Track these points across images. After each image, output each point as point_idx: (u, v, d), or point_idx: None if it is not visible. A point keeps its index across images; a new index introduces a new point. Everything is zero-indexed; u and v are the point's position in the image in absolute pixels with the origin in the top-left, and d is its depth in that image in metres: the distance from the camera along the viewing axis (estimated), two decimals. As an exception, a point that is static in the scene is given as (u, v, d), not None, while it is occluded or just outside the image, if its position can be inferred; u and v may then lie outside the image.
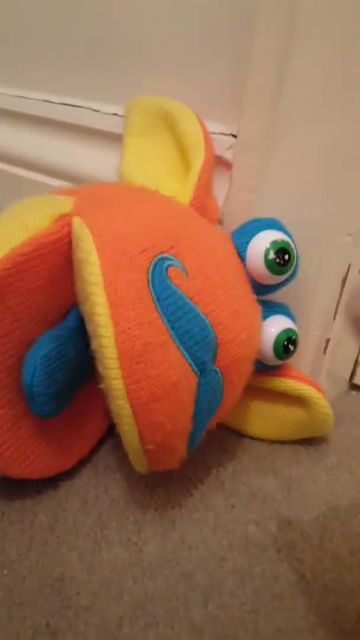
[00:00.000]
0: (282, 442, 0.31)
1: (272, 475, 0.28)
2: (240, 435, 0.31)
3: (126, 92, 0.35)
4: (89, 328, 0.23)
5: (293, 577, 0.23)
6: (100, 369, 0.21)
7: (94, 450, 0.29)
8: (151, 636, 0.20)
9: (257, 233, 0.27)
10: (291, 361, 0.29)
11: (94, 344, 0.22)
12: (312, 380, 0.30)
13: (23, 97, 0.44)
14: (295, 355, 0.28)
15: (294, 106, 0.28)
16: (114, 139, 0.37)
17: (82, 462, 0.28)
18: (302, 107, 0.27)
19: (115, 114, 0.36)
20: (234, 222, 0.31)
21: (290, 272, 0.27)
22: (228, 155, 0.31)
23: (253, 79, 0.28)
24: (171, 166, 0.32)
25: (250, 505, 0.27)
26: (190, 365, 0.22)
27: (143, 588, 0.22)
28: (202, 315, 0.23)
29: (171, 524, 0.25)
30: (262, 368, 0.28)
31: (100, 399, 0.29)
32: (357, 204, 0.28)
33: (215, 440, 0.30)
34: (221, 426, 0.31)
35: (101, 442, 0.30)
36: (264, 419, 0.31)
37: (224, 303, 0.24)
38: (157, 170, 0.32)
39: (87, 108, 0.39)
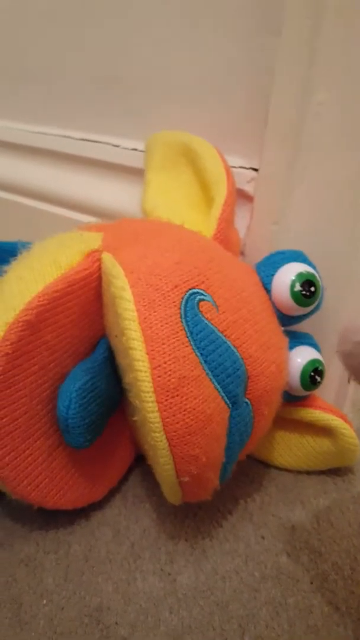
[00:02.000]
0: (308, 473, 0.31)
1: (300, 505, 0.29)
2: (267, 465, 0.32)
3: (146, 127, 0.36)
4: (124, 362, 0.24)
5: (327, 608, 0.23)
6: (136, 402, 0.22)
7: (122, 480, 0.29)
8: (189, 670, 0.21)
9: (282, 265, 0.27)
10: (316, 391, 0.30)
11: (129, 378, 0.23)
12: (338, 411, 0.30)
13: (43, 133, 0.45)
14: (325, 384, 0.28)
15: (316, 139, 0.29)
16: (134, 173, 0.38)
17: (112, 492, 0.28)
18: (323, 140, 0.28)
19: (135, 149, 0.38)
20: (256, 254, 0.32)
21: (316, 303, 0.27)
22: (249, 188, 0.32)
23: (274, 114, 0.30)
24: (193, 200, 0.33)
25: (280, 536, 0.27)
26: (223, 398, 0.23)
27: (179, 618, 0.22)
28: (233, 348, 0.23)
29: (203, 554, 0.25)
30: (289, 399, 0.29)
31: (128, 429, 0.30)
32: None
33: (242, 471, 0.30)
34: (247, 457, 0.31)
35: (129, 471, 0.30)
36: (291, 449, 0.31)
37: (253, 336, 0.24)
38: (179, 204, 0.33)
39: (107, 143, 0.40)
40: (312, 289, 0.27)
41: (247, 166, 0.32)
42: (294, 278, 0.26)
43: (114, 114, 0.40)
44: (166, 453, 0.21)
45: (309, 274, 0.27)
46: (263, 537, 0.27)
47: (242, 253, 0.33)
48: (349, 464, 0.31)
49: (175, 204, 0.33)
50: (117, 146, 0.39)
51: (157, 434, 0.21)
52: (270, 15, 0.29)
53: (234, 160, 0.33)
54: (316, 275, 0.27)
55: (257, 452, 0.32)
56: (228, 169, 0.31)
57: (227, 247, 0.30)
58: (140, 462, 0.31)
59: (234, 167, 0.32)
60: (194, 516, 0.27)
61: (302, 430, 0.30)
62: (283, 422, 0.30)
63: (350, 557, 0.26)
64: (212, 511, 0.28)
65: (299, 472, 0.31)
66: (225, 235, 0.30)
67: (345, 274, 0.30)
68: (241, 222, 0.33)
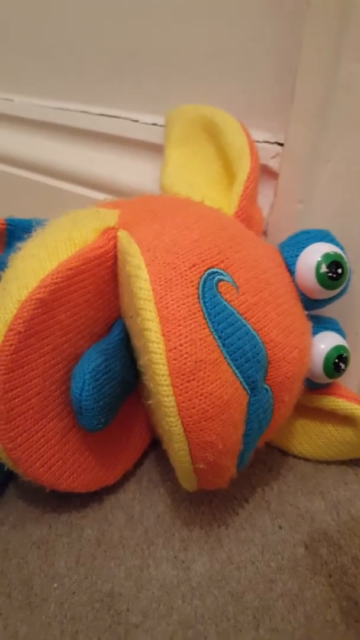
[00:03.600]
0: (328, 463, 0.30)
1: (319, 496, 0.28)
2: (285, 454, 0.31)
3: (166, 101, 0.35)
4: (139, 343, 0.23)
5: (345, 603, 0.22)
6: (150, 385, 0.21)
7: (137, 465, 0.29)
8: (201, 660, 0.20)
9: (307, 245, 0.26)
10: (340, 379, 0.28)
11: (144, 360, 0.22)
12: (362, 399, 0.29)
13: (61, 108, 0.44)
14: (349, 372, 0.27)
15: (345, 114, 0.27)
16: (154, 149, 0.36)
17: (126, 476, 0.28)
18: (353, 115, 0.27)
19: (155, 124, 0.36)
20: (280, 233, 0.30)
21: (342, 286, 0.26)
22: (273, 164, 0.31)
23: (301, 86, 0.28)
24: (214, 176, 0.31)
25: (298, 527, 0.26)
26: (241, 383, 0.22)
27: (192, 607, 0.22)
28: (253, 332, 0.22)
29: (218, 542, 0.25)
30: (310, 386, 0.27)
31: (143, 413, 0.29)
32: None
33: (259, 459, 0.29)
34: (266, 444, 0.30)
35: (144, 455, 0.29)
36: (311, 438, 0.30)
37: (275, 319, 0.23)
38: (199, 180, 0.31)
39: (126, 118, 0.39)
40: (339, 270, 0.25)
41: (272, 141, 0.31)
42: (319, 259, 0.25)
43: (133, 88, 0.39)
44: (181, 439, 0.20)
45: (336, 254, 0.25)
46: (280, 527, 0.26)
47: (264, 233, 0.32)
48: (370, 455, 0.30)
49: (196, 180, 0.31)
50: (136, 121, 0.38)
51: (172, 419, 0.20)
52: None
53: (258, 135, 0.31)
54: (344, 256, 0.26)
55: (276, 440, 0.31)
56: (252, 144, 0.30)
57: (249, 225, 0.29)
58: (155, 446, 0.30)
59: (258, 141, 0.31)
60: (209, 503, 0.27)
61: (324, 419, 0.29)
62: (304, 409, 0.29)
63: (371, 550, 0.25)
64: (228, 498, 0.27)
65: (319, 462, 0.30)
66: (247, 213, 0.29)
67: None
68: (265, 200, 0.31)
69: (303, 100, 0.28)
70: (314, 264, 0.25)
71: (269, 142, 0.31)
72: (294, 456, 0.30)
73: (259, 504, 0.27)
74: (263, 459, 0.30)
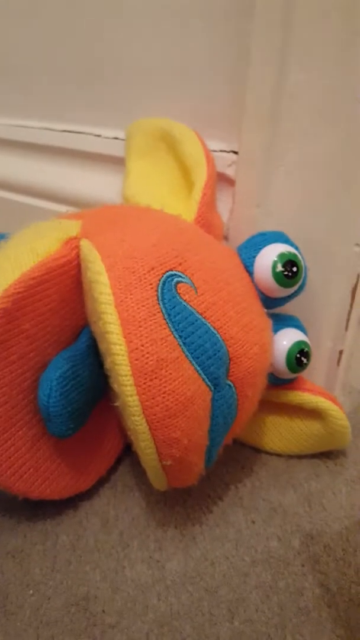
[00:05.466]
0: (299, 457, 0.31)
1: (291, 489, 0.28)
2: (257, 450, 0.31)
3: (127, 116, 0.36)
4: (102, 347, 0.24)
5: (318, 590, 0.23)
6: (115, 386, 0.22)
7: (111, 470, 0.29)
8: (178, 656, 0.20)
9: (263, 247, 0.27)
10: (305, 374, 0.29)
11: (107, 363, 0.23)
12: (327, 393, 0.29)
13: (24, 126, 0.45)
14: (309, 368, 0.28)
15: (293, 121, 0.28)
16: (117, 162, 0.37)
17: (101, 482, 0.28)
18: (301, 122, 0.28)
19: (116, 138, 0.37)
20: (239, 237, 0.31)
21: (298, 284, 0.27)
22: (230, 171, 0.32)
23: (251, 96, 0.29)
24: (174, 185, 0.32)
25: (271, 521, 0.26)
26: (204, 380, 0.22)
27: (168, 605, 0.22)
28: (213, 330, 0.23)
29: (192, 540, 0.25)
30: (276, 382, 0.28)
31: (116, 418, 0.30)
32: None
33: (232, 457, 0.30)
34: (237, 442, 0.31)
35: (118, 461, 0.30)
36: (281, 433, 0.31)
37: (234, 317, 0.24)
38: (160, 190, 0.32)
39: (89, 134, 0.40)
40: (295, 269, 0.26)
41: (228, 150, 0.32)
42: (275, 259, 0.26)
43: (95, 105, 0.40)
44: (147, 437, 0.21)
45: (290, 254, 0.26)
46: (254, 522, 0.26)
47: (225, 237, 0.33)
48: (341, 447, 0.31)
49: (156, 190, 0.32)
50: (98, 136, 0.39)
51: (137, 417, 0.21)
52: (243, -6, 0.29)
53: (214, 144, 0.32)
54: (298, 255, 0.27)
55: (247, 438, 0.31)
56: (208, 153, 0.31)
57: (208, 230, 0.30)
58: (130, 451, 0.30)
59: (215, 150, 0.32)
60: (183, 503, 0.27)
61: (291, 414, 0.30)
62: (272, 406, 0.30)
63: (342, 538, 0.25)
64: (202, 497, 0.28)
65: (290, 457, 0.31)
66: (206, 219, 0.30)
67: (328, 256, 0.29)
68: (224, 205, 0.33)
69: (253, 110, 0.29)
70: (270, 263, 0.26)
71: (225, 151, 0.32)
72: (266, 452, 0.31)
73: (232, 500, 0.27)
74: (236, 457, 0.30)
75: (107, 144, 0.38)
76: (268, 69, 0.28)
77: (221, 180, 0.32)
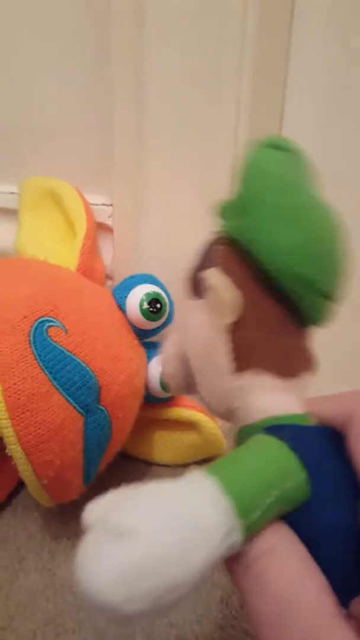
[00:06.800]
0: (184, 465, 0.35)
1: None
2: (149, 463, 0.35)
3: (22, 171, 0.40)
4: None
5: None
6: (-5, 421, 0.25)
7: (12, 495, 0.32)
8: (61, 646, 0.24)
9: (133, 287, 0.32)
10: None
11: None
12: (202, 407, 0.34)
13: None
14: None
15: (155, 179, 0.33)
16: (13, 214, 0.41)
17: (2, 506, 0.31)
18: (162, 180, 0.33)
19: (13, 193, 0.41)
20: (121, 278, 0.36)
21: (164, 318, 0.32)
22: (110, 222, 0.37)
23: (118, 156, 0.34)
24: (61, 236, 0.37)
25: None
26: (75, 408, 0.26)
27: (54, 605, 0.26)
28: (82, 364, 0.27)
29: (82, 548, 0.29)
30: (156, 401, 0.33)
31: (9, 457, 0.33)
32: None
33: (123, 470, 0.34)
34: (129, 457, 0.35)
35: (21, 486, 0.33)
36: (166, 445, 0.35)
37: (102, 352, 0.28)
38: (48, 241, 0.37)
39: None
40: (158, 305, 0.31)
41: (108, 203, 0.37)
42: (142, 297, 0.31)
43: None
44: (24, 461, 0.25)
45: (154, 293, 0.31)
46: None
47: (110, 277, 0.38)
48: (218, 454, 0.35)
49: (45, 241, 0.36)
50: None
51: (14, 446, 0.24)
52: (104, 72, 0.34)
53: (96, 199, 0.37)
54: (162, 293, 0.32)
55: (139, 452, 0.36)
56: (87, 207, 0.36)
57: (90, 275, 0.34)
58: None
59: (97, 204, 0.37)
60: (77, 517, 0.31)
61: (173, 427, 0.35)
62: (157, 422, 0.35)
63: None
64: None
65: (177, 466, 0.35)
66: (87, 265, 0.34)
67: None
68: (107, 252, 0.37)
69: (120, 168, 0.35)
70: (137, 301, 0.31)
71: (105, 205, 0.37)
72: (156, 464, 0.35)
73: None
74: (127, 470, 0.34)
75: (5, 197, 0.42)
76: (129, 131, 0.33)
77: (104, 230, 0.37)
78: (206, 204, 0.33)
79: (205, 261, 0.18)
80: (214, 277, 0.16)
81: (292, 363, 0.17)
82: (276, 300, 0.16)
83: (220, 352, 0.17)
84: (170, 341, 0.20)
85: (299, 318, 0.17)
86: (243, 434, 0.16)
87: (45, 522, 0.30)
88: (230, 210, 0.17)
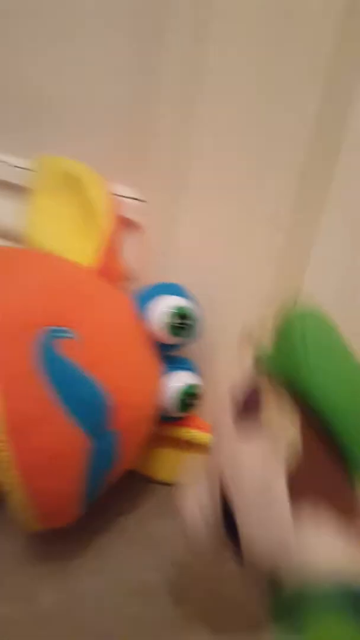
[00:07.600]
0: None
1: (172, 519, 0.30)
2: (149, 481, 0.33)
3: (43, 148, 0.35)
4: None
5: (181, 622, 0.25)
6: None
7: None
8: None
9: (159, 296, 0.29)
10: (201, 411, 0.31)
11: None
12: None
13: None
14: (205, 405, 0.30)
15: (198, 180, 0.30)
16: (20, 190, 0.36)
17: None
18: (202, 184, 0.30)
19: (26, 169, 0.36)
20: (145, 282, 0.32)
21: (190, 333, 0.29)
22: (138, 218, 0.33)
23: (155, 155, 0.31)
24: (77, 228, 0.32)
25: (149, 551, 0.28)
26: (81, 430, 0.23)
27: (37, 638, 0.24)
28: (94, 382, 0.24)
29: (70, 575, 0.27)
30: (169, 419, 0.30)
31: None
32: (260, 270, 0.31)
33: (124, 488, 0.31)
34: (130, 474, 0.33)
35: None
36: (171, 465, 0.33)
37: (120, 368, 0.25)
38: (65, 230, 0.32)
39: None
40: (185, 320, 0.28)
41: (138, 197, 0.33)
42: (167, 311, 0.28)
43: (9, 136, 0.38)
44: (18, 488, 0.22)
45: (182, 307, 0.28)
46: (134, 553, 0.28)
47: (132, 281, 0.34)
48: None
49: (60, 230, 0.32)
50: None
51: (10, 472, 0.22)
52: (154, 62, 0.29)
53: (124, 190, 0.33)
54: (190, 307, 0.28)
55: (142, 469, 0.33)
56: (113, 200, 0.32)
57: (110, 277, 0.30)
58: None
59: (125, 197, 0.33)
60: (64, 539, 0.28)
61: (183, 447, 0.32)
62: (165, 439, 0.32)
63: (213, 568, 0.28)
64: (87, 531, 0.29)
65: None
66: (107, 265, 0.31)
67: (225, 304, 0.31)
68: (131, 251, 0.33)
69: (158, 164, 0.31)
70: (164, 314, 0.28)
71: (135, 199, 0.33)
72: (158, 483, 0.33)
73: (117, 533, 0.29)
74: (128, 488, 0.32)
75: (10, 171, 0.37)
76: (173, 130, 0.30)
77: (130, 226, 0.33)
78: (248, 224, 0.30)
79: (258, 394, 0.19)
80: (278, 417, 0.17)
81: (347, 507, 0.17)
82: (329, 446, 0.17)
83: (280, 500, 0.16)
84: (192, 497, 0.21)
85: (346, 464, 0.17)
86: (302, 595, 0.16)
87: (30, 543, 0.28)
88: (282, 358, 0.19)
